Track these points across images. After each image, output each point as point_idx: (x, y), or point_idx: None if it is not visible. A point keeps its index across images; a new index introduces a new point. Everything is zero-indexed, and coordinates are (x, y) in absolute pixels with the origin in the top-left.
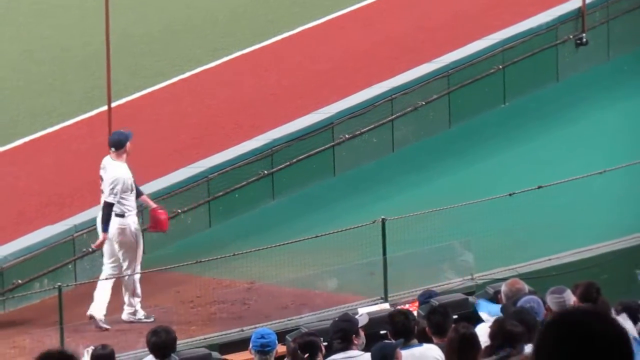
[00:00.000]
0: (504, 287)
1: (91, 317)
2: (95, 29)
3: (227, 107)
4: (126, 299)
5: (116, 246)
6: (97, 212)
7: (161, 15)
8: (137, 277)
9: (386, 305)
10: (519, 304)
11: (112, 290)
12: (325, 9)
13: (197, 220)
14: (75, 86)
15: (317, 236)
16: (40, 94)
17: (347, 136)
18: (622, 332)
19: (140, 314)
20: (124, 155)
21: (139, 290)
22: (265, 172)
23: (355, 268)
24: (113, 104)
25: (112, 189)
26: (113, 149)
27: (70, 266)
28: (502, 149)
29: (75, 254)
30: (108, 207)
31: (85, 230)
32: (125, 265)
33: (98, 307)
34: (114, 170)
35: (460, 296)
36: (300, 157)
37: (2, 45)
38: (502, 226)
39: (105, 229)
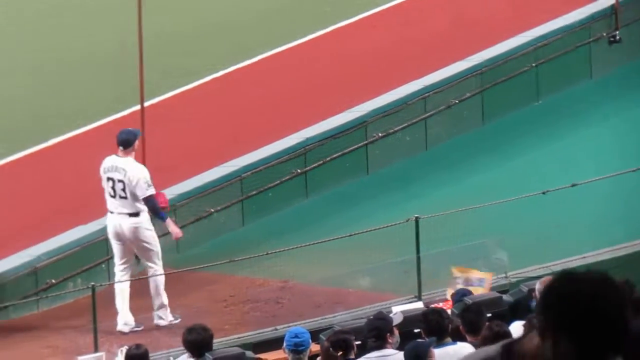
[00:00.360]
0: (539, 285)
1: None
2: (127, 28)
3: (260, 105)
4: (155, 302)
5: (132, 247)
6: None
7: (193, 14)
8: (162, 277)
9: (420, 304)
10: None
11: (129, 289)
12: (357, 7)
13: (230, 219)
14: (107, 86)
15: (350, 235)
16: (73, 94)
17: (380, 134)
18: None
19: (169, 317)
20: (133, 154)
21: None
22: (299, 170)
23: (389, 266)
24: (145, 104)
25: (146, 182)
26: (122, 148)
27: (103, 265)
28: (535, 147)
29: (108, 254)
30: (152, 199)
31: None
32: (149, 265)
33: (125, 318)
34: (136, 167)
35: (494, 294)
36: (334, 156)
37: (34, 46)
38: (535, 224)
39: (163, 216)
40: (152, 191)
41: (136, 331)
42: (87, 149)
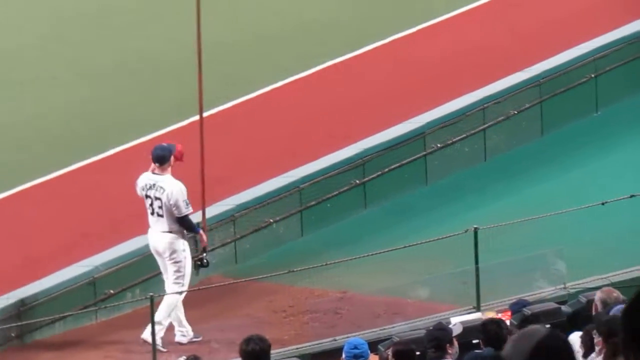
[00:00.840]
0: (600, 294)
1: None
2: (187, 38)
3: (319, 116)
4: (176, 319)
5: (167, 263)
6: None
7: (253, 24)
8: (181, 297)
9: (478, 315)
10: (612, 312)
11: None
12: (416, 18)
13: (289, 230)
14: (167, 96)
15: (409, 245)
16: (133, 103)
17: (439, 145)
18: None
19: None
20: (170, 169)
21: (180, 312)
22: (357, 181)
23: (448, 277)
24: (205, 114)
25: (184, 201)
26: (157, 164)
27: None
28: (594, 158)
29: None
30: (187, 219)
31: None
32: (174, 282)
33: (183, 328)
34: (174, 186)
35: (552, 305)
36: (392, 167)
37: (95, 56)
38: (594, 235)
39: (198, 230)
40: (189, 210)
41: (194, 342)
42: (146, 159)
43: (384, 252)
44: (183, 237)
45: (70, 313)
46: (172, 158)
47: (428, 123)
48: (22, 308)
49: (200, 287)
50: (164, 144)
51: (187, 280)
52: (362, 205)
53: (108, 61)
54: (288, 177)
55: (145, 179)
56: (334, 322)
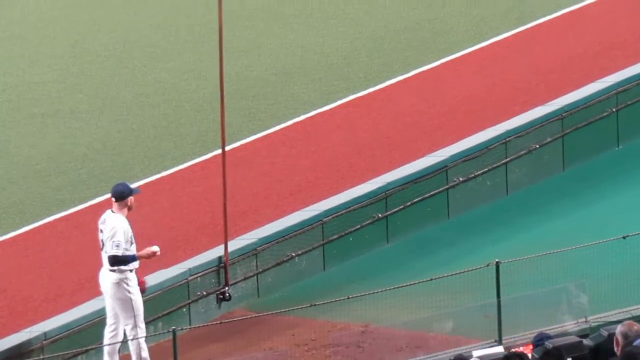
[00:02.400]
0: (621, 328)
1: None
2: (210, 72)
3: (341, 150)
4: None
5: (112, 301)
6: (208, 257)
7: (275, 59)
8: (142, 339)
9: (500, 348)
10: (635, 344)
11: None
12: (438, 52)
13: (312, 263)
14: (189, 129)
15: (431, 279)
16: (155, 137)
17: (461, 179)
18: None
19: None
20: (125, 210)
21: (145, 354)
22: (380, 215)
23: (470, 310)
24: (227, 147)
25: (113, 240)
26: (114, 200)
27: (184, 309)
28: (615, 192)
29: (189, 298)
30: (114, 258)
31: (200, 274)
32: (125, 323)
33: None
34: (113, 221)
35: (574, 339)
36: (415, 200)
37: (118, 89)
38: (615, 268)
39: (133, 257)
40: (117, 252)
41: None
42: (168, 193)
43: (406, 285)
44: (130, 275)
45: (93, 347)
46: (130, 199)
47: (450, 157)
48: (45, 341)
49: (223, 321)
50: (127, 184)
51: (140, 319)
52: (385, 239)
53: (129, 95)
54: (310, 210)
55: (103, 215)
56: (356, 355)
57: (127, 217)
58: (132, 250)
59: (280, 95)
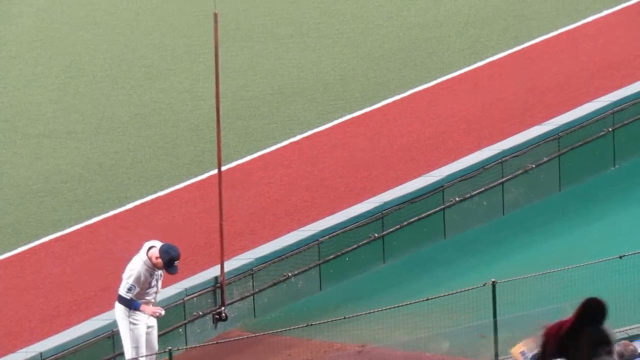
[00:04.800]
0: (617, 348)
1: None
2: (206, 92)
3: (337, 169)
4: None
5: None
6: (204, 277)
7: (271, 79)
8: None
9: None
10: None
11: None
12: (435, 72)
13: (308, 283)
14: (185, 149)
15: (427, 299)
16: (151, 157)
17: (457, 199)
18: None
19: None
20: (153, 259)
21: None
22: (376, 235)
23: (466, 330)
24: (224, 167)
25: (128, 281)
26: (154, 247)
27: (180, 330)
28: (612, 211)
29: (185, 318)
30: (123, 299)
31: (196, 294)
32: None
33: None
34: (135, 265)
35: None
36: (411, 220)
37: (114, 109)
38: (612, 288)
39: (137, 306)
40: (127, 295)
41: None
42: (165, 213)
43: (402, 305)
44: (125, 309)
45: None
46: (159, 255)
47: (447, 176)
48: None
49: (219, 341)
50: (177, 249)
51: (129, 351)
52: (381, 259)
53: (125, 115)
54: (307, 230)
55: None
56: None
57: (153, 268)
58: (148, 294)
59: (277, 115)
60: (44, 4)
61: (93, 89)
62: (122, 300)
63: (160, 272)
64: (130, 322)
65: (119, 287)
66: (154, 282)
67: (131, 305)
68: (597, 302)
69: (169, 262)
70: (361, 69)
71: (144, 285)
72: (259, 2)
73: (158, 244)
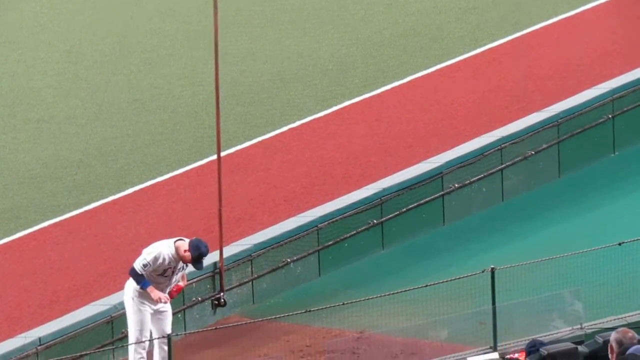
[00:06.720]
0: (615, 335)
1: None
2: (205, 78)
3: (336, 156)
4: None
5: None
6: (203, 263)
7: (271, 65)
8: (132, 351)
9: (495, 355)
10: (629, 352)
11: None
12: (434, 58)
13: (307, 270)
14: (185, 135)
15: (426, 285)
16: (150, 143)
17: (456, 185)
18: None
19: None
20: (179, 243)
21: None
22: (375, 221)
23: (465, 317)
24: (223, 153)
25: (145, 257)
26: (180, 238)
27: (179, 315)
28: (611, 198)
29: (184, 303)
30: (132, 271)
31: (195, 279)
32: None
33: None
34: (155, 245)
35: (569, 345)
36: (410, 207)
37: (113, 94)
38: (611, 275)
39: (145, 285)
40: (141, 270)
41: None
42: (164, 199)
43: (401, 292)
44: (135, 288)
45: (87, 352)
46: (189, 249)
47: (446, 163)
48: (40, 347)
49: (218, 327)
50: (207, 245)
51: (133, 333)
52: (380, 245)
53: (125, 101)
54: (306, 216)
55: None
56: None
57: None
58: (159, 283)
59: (276, 101)
60: None
61: (93, 74)
62: (133, 273)
63: (181, 266)
64: (137, 305)
65: (134, 260)
66: (168, 272)
67: (140, 281)
68: None
69: (198, 257)
70: (361, 55)
71: (158, 268)
72: None
73: (186, 238)
